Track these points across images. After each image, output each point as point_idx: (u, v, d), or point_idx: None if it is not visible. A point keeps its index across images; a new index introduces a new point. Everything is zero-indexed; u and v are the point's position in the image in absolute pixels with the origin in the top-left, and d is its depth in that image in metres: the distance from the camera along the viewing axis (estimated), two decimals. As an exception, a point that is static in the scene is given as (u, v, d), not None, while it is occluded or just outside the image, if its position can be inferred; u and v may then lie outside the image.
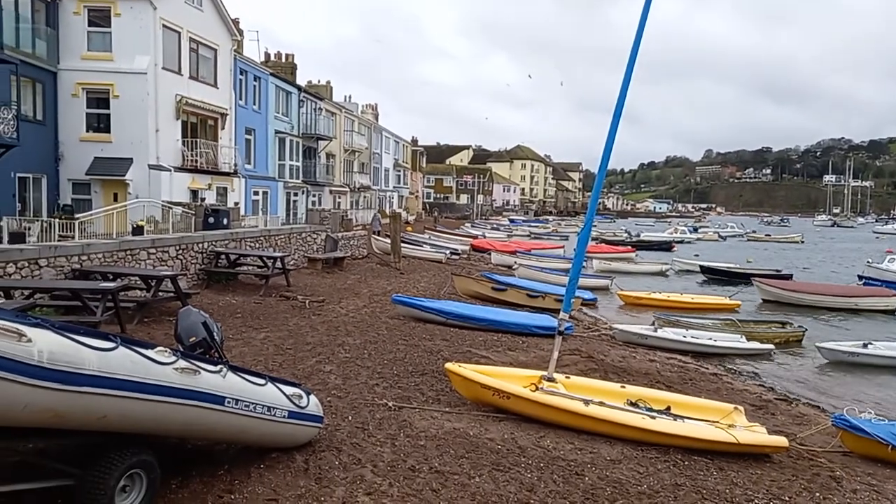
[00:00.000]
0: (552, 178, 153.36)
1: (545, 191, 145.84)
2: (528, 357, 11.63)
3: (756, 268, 33.76)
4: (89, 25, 22.15)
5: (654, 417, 7.76)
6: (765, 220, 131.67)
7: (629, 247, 45.27)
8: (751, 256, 43.20)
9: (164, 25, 22.81)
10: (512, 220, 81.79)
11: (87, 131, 22.30)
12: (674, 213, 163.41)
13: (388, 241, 27.48)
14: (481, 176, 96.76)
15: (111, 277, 11.93)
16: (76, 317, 9.80)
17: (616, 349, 13.79)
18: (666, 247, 50.84)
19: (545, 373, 8.42)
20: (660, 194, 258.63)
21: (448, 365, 8.40)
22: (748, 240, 70.78)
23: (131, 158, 22.05)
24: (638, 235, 59.28)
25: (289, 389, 5.84)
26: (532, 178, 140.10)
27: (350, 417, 7.23)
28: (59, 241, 15.39)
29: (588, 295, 21.41)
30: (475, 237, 46.53)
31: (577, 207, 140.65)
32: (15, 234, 13.89)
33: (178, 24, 23.72)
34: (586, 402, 7.73)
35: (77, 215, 18.69)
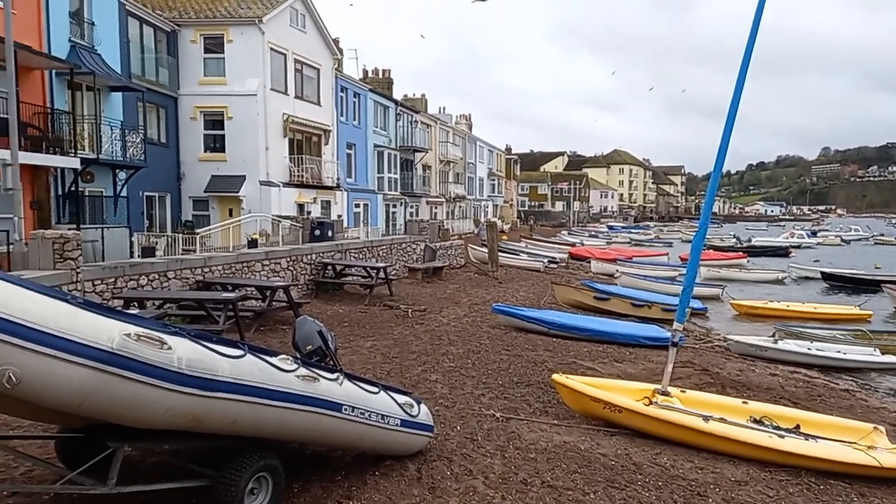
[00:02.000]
0: (652, 183, 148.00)
1: (645, 196, 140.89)
2: (637, 369, 11.19)
3: (886, 274, 30.86)
4: (205, 52, 23.84)
5: (782, 436, 7.22)
6: (893, 221, 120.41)
7: (740, 253, 42.77)
8: (879, 262, 39.51)
9: (271, 48, 24.14)
10: (611, 227, 79.58)
11: (205, 151, 23.94)
12: (787, 217, 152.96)
13: (486, 250, 27.48)
14: (577, 182, 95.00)
15: (230, 288, 12.65)
16: (201, 325, 10.45)
17: (732, 362, 13.00)
18: (782, 252, 47.56)
19: (658, 386, 8.07)
20: (771, 196, 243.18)
21: (555, 376, 8.22)
22: (875, 243, 64.88)
23: (244, 175, 23.44)
24: (749, 240, 55.76)
25: (400, 398, 5.91)
26: (631, 182, 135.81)
27: (458, 427, 7.22)
28: (182, 254, 16.56)
29: (697, 304, 20.35)
30: (573, 245, 45.55)
31: (680, 212, 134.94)
32: (146, 248, 15.06)
33: (283, 47, 25.01)
34: (706, 419, 7.31)
35: (197, 230, 20.05)
